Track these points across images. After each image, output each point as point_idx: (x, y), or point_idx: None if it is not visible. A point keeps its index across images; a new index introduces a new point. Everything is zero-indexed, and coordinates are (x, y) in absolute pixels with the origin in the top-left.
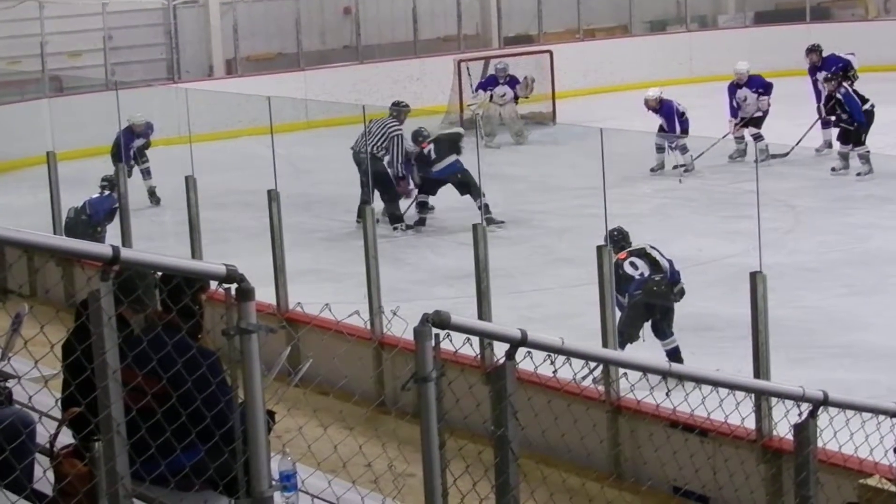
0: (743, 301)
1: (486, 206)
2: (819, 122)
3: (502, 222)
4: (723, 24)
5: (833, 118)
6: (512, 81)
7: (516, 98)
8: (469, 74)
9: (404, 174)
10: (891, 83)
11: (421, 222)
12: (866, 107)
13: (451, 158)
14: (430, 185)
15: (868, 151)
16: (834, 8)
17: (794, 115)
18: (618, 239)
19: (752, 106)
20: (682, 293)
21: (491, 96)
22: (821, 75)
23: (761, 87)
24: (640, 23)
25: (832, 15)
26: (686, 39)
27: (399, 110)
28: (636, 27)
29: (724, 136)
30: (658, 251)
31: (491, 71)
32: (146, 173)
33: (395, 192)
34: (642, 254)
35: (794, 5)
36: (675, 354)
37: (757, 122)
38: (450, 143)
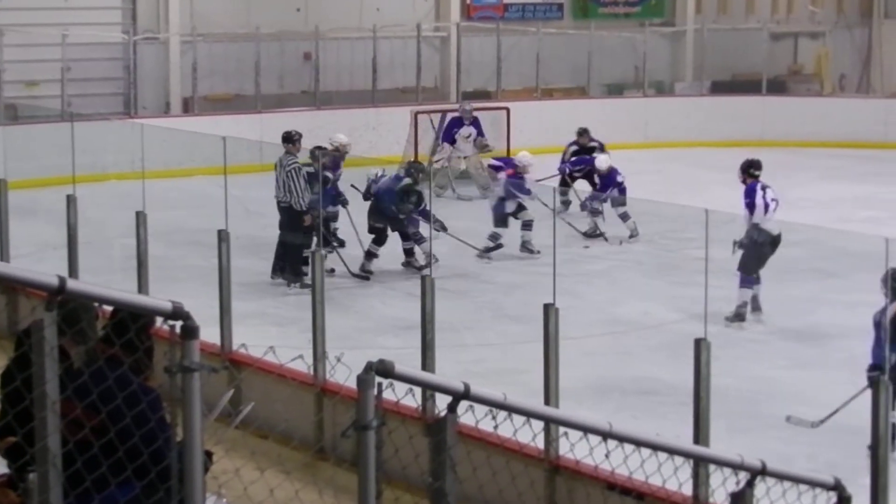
0: (686, 367)
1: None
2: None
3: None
4: (680, 91)
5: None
6: (476, 123)
7: (479, 142)
8: (443, 123)
9: (307, 208)
10: (841, 159)
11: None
12: None
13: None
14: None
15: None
16: (790, 82)
17: (742, 185)
18: None
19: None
20: None
21: (451, 151)
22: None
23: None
24: (597, 85)
25: (788, 88)
26: (643, 104)
27: (292, 141)
28: (594, 90)
29: None
30: None
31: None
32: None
33: (300, 247)
34: None
35: (750, 77)
36: None
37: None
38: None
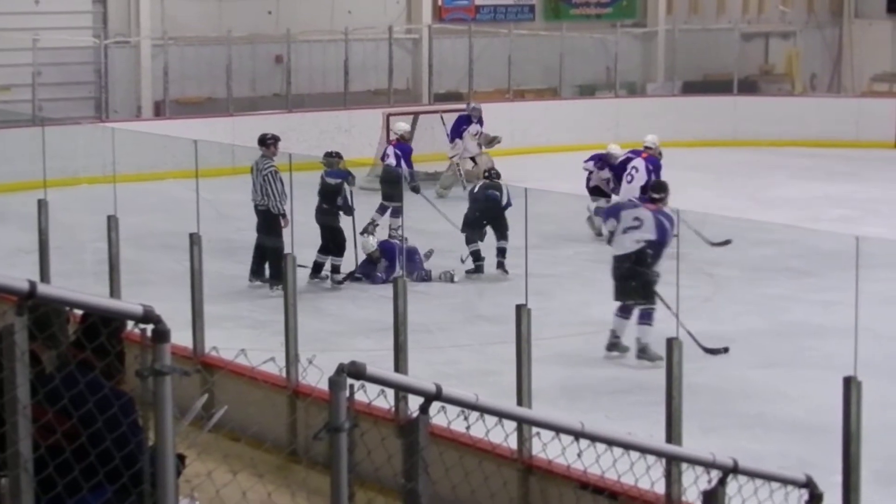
0: (659, 367)
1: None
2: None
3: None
4: (651, 91)
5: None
6: (482, 122)
7: (484, 137)
8: (444, 123)
9: (284, 211)
10: (813, 159)
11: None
12: None
13: None
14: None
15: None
16: (761, 82)
17: (714, 185)
18: None
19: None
20: None
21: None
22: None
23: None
24: (569, 86)
25: (759, 89)
26: (614, 105)
27: (266, 145)
28: (565, 91)
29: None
30: None
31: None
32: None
33: (278, 249)
34: None
35: (721, 77)
36: None
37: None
38: None
